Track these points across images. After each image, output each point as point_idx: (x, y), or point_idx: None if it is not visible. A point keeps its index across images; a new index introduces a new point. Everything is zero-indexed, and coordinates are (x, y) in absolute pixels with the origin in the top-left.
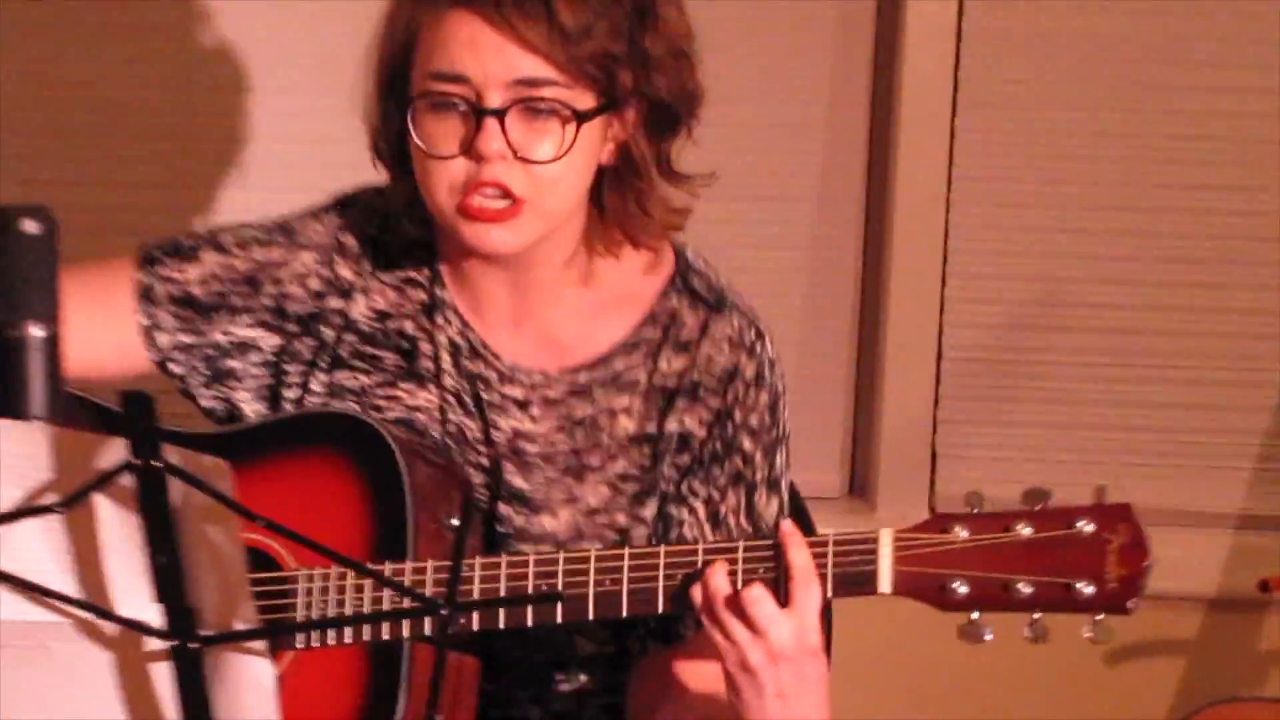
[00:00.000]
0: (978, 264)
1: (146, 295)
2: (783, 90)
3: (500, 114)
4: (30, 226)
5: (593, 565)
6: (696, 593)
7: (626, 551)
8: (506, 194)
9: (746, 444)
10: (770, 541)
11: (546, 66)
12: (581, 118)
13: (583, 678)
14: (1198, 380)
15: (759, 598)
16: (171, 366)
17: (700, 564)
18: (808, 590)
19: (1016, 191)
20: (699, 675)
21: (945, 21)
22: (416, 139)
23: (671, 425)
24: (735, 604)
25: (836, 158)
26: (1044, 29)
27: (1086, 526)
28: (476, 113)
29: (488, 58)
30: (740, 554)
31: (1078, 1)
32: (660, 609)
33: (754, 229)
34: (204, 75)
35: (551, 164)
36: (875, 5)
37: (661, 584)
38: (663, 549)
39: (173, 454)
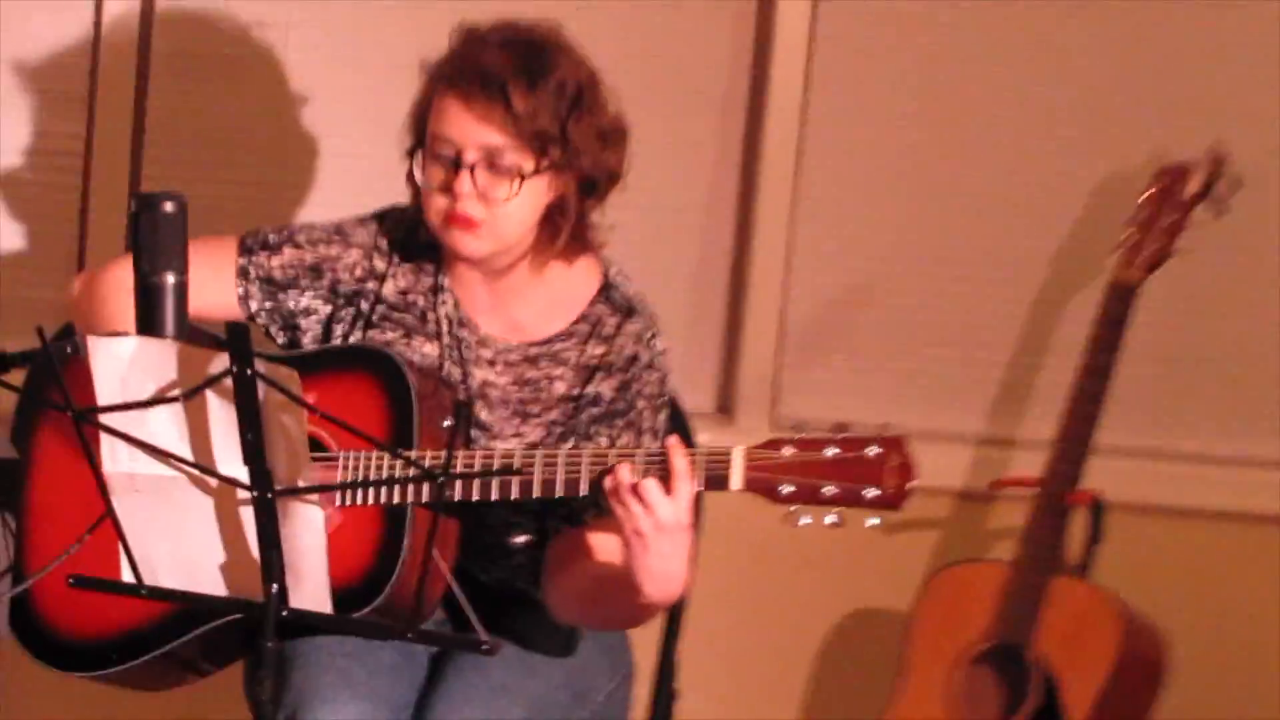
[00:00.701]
0: (815, 257)
1: (243, 274)
2: (672, 122)
3: (470, 167)
4: (169, 206)
5: (539, 457)
6: (608, 481)
7: (563, 449)
8: (470, 221)
9: (641, 404)
10: (660, 449)
11: (502, 137)
12: (524, 175)
13: (516, 557)
14: (958, 341)
15: (651, 486)
16: (258, 319)
17: (611, 463)
18: (684, 484)
19: (851, 187)
20: (600, 544)
21: (797, 67)
22: (418, 175)
23: (590, 390)
24: (635, 490)
25: (719, 162)
26: (887, 46)
27: (873, 450)
28: (455, 164)
29: (465, 128)
30: (639, 457)
31: (911, 35)
32: (582, 491)
33: (651, 213)
34: (291, 115)
35: (503, 205)
36: (753, 38)
37: (584, 474)
38: (588, 449)
39: (260, 365)
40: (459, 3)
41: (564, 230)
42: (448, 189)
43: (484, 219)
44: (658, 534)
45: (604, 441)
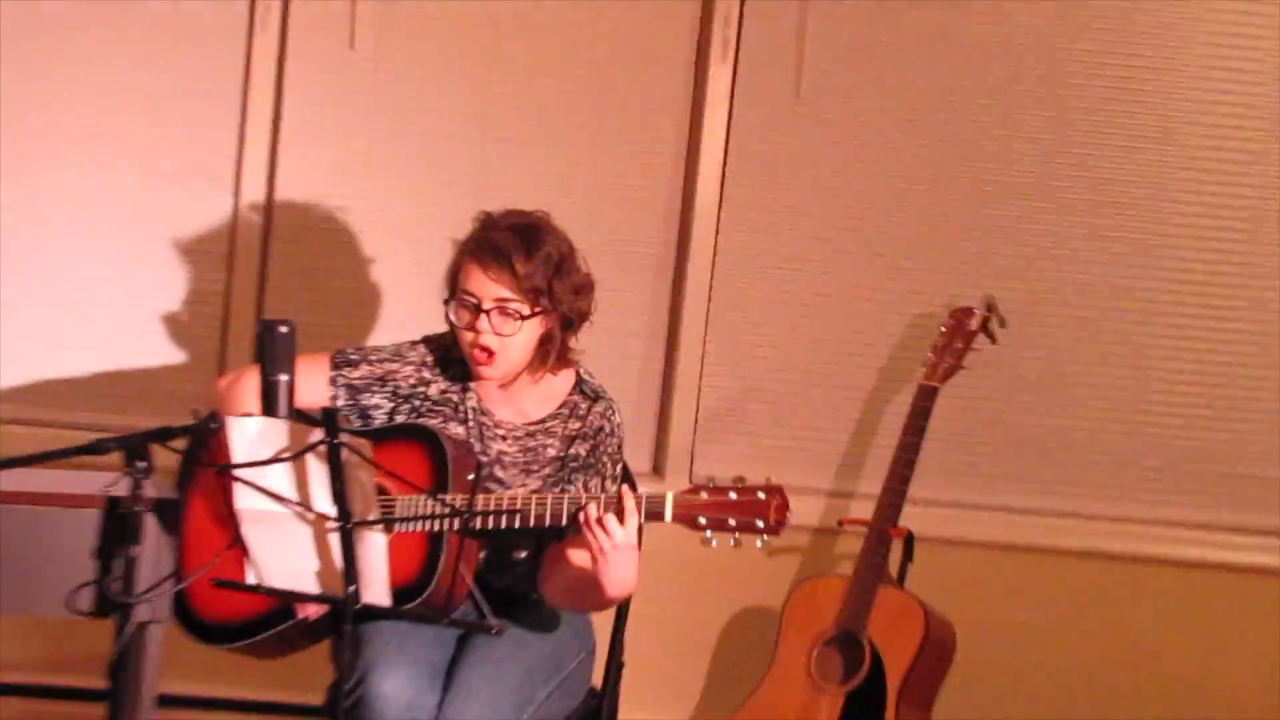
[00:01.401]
0: (718, 368)
1: (333, 382)
2: (622, 190)
3: (487, 312)
4: (283, 329)
5: (533, 501)
6: (582, 516)
7: (549, 495)
8: (488, 350)
9: (605, 460)
10: (616, 494)
11: (508, 293)
12: (524, 317)
13: (518, 568)
14: (816, 425)
15: (610, 519)
16: (342, 409)
17: (583, 503)
18: (632, 518)
19: (747, 324)
20: (576, 556)
21: (716, 154)
22: (452, 317)
23: (571, 451)
24: (600, 522)
25: (654, 308)
26: (781, 218)
27: (762, 495)
28: (476, 310)
29: (484, 286)
30: (602, 499)
31: (803, 193)
32: (564, 523)
33: (612, 340)
34: (364, 271)
35: (510, 338)
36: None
37: (565, 511)
38: (567, 494)
39: (344, 437)
40: (482, 179)
41: (552, 353)
42: (472, 327)
43: (497, 348)
44: (614, 552)
45: (579, 486)
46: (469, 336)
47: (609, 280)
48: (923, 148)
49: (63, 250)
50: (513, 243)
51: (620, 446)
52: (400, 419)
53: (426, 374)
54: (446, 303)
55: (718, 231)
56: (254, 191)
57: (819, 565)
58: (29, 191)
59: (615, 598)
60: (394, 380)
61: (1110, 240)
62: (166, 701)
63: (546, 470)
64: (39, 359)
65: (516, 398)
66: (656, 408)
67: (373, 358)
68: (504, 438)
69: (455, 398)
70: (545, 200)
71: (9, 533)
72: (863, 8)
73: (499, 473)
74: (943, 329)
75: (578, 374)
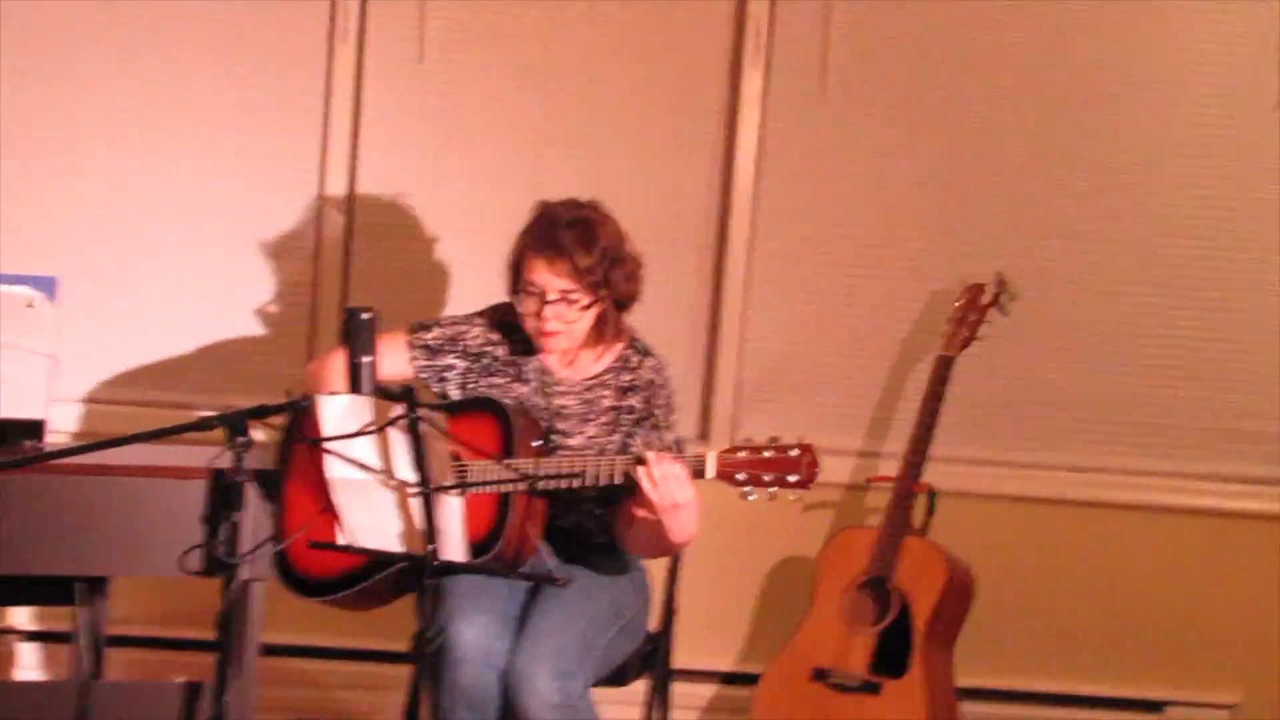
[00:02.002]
0: (756, 341)
1: (410, 345)
2: (666, 184)
3: (551, 303)
4: (365, 315)
5: (589, 466)
6: (641, 476)
7: (606, 460)
8: (553, 333)
9: (658, 411)
10: (667, 449)
11: (570, 284)
12: (585, 307)
13: (584, 509)
14: (845, 390)
15: (662, 478)
16: (421, 376)
17: (635, 464)
18: (684, 476)
19: (786, 295)
20: (641, 511)
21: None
22: (519, 307)
23: (625, 403)
24: (653, 482)
25: (699, 227)
26: (817, 180)
27: (795, 452)
28: (541, 300)
29: (548, 279)
30: (652, 459)
31: (840, 165)
32: (620, 482)
33: (660, 318)
34: (436, 257)
35: (572, 323)
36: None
37: (622, 473)
38: (619, 459)
39: (422, 410)
40: (539, 178)
41: (608, 331)
42: (538, 315)
43: (562, 330)
44: (673, 509)
45: (638, 441)
46: (534, 324)
47: (656, 262)
48: (939, 138)
49: (170, 247)
50: (573, 239)
51: (671, 398)
52: (473, 377)
53: (493, 336)
54: (514, 294)
55: (755, 217)
56: (336, 190)
57: (850, 518)
58: (143, 194)
59: (682, 543)
60: (464, 340)
61: (1110, 221)
62: (269, 651)
63: (603, 419)
64: (150, 347)
65: (575, 360)
66: (702, 378)
67: (444, 322)
68: (564, 393)
69: (519, 359)
70: (596, 186)
71: (127, 502)
72: (882, 8)
73: (560, 424)
74: (957, 304)
75: (630, 335)
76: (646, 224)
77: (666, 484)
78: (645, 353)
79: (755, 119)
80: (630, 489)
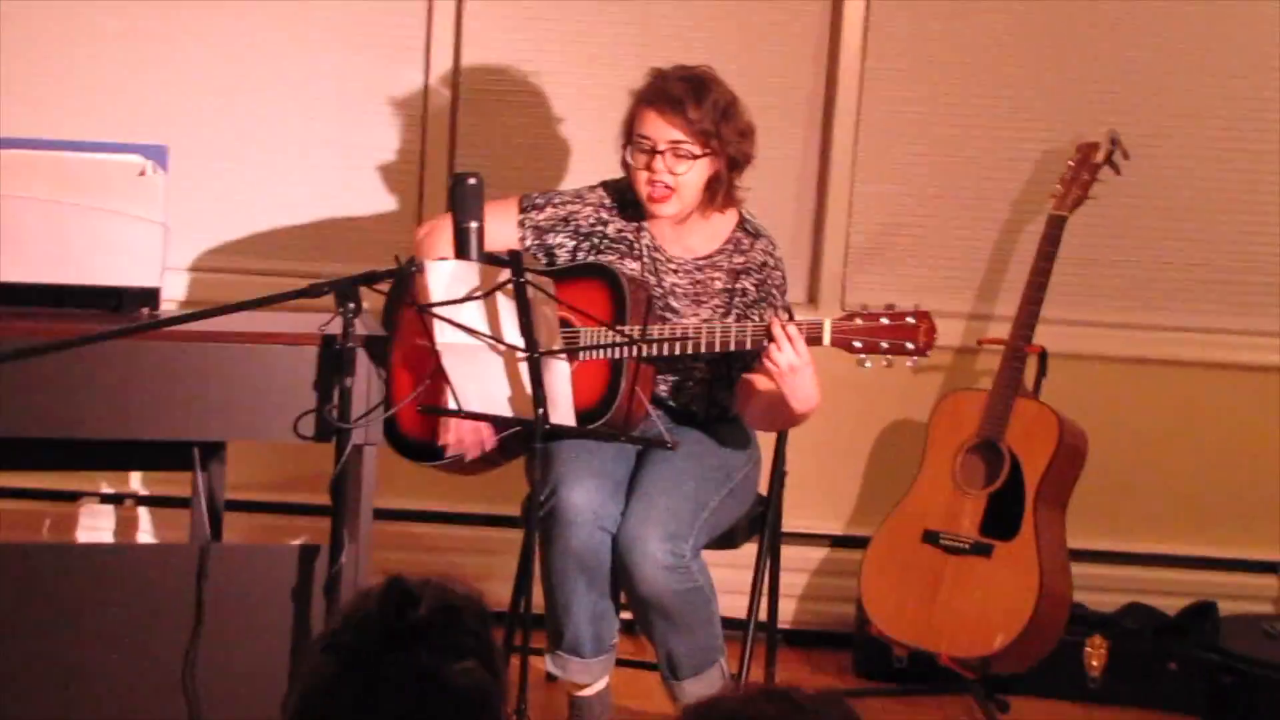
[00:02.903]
0: (866, 201)
1: (521, 223)
2: (774, 50)
3: (662, 153)
4: (472, 180)
5: (703, 330)
6: (776, 331)
7: (717, 324)
8: (666, 186)
9: (775, 293)
10: (784, 321)
11: (681, 134)
12: (696, 157)
13: (692, 389)
14: (957, 254)
15: (782, 342)
16: (530, 249)
17: (748, 331)
18: (799, 340)
19: (894, 156)
20: (760, 381)
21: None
22: (629, 160)
23: (739, 285)
24: (771, 348)
25: (807, 136)
26: (926, 41)
27: (911, 319)
28: (652, 152)
29: (659, 130)
30: (767, 324)
31: (944, 35)
32: (732, 348)
33: (770, 182)
34: (550, 129)
35: (683, 175)
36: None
37: (733, 338)
38: (732, 325)
39: (529, 275)
40: (646, 50)
41: (719, 193)
42: (648, 167)
43: (674, 186)
44: (791, 374)
45: (755, 318)
46: (644, 176)
47: (764, 129)
48: None
49: (281, 116)
50: (684, 90)
51: (784, 277)
52: (582, 256)
53: (605, 214)
54: (625, 147)
55: (862, 79)
56: (442, 60)
57: (961, 380)
58: (250, 63)
59: (804, 413)
60: (575, 220)
61: (1226, 78)
62: (383, 515)
63: (715, 301)
64: (259, 215)
65: (686, 235)
66: (810, 241)
67: (556, 200)
68: (675, 271)
69: (630, 236)
70: (708, 53)
71: (239, 369)
72: None
73: (672, 303)
74: (1070, 163)
75: (740, 214)
76: (756, 85)
77: (785, 346)
78: (756, 234)
79: None
80: (745, 357)
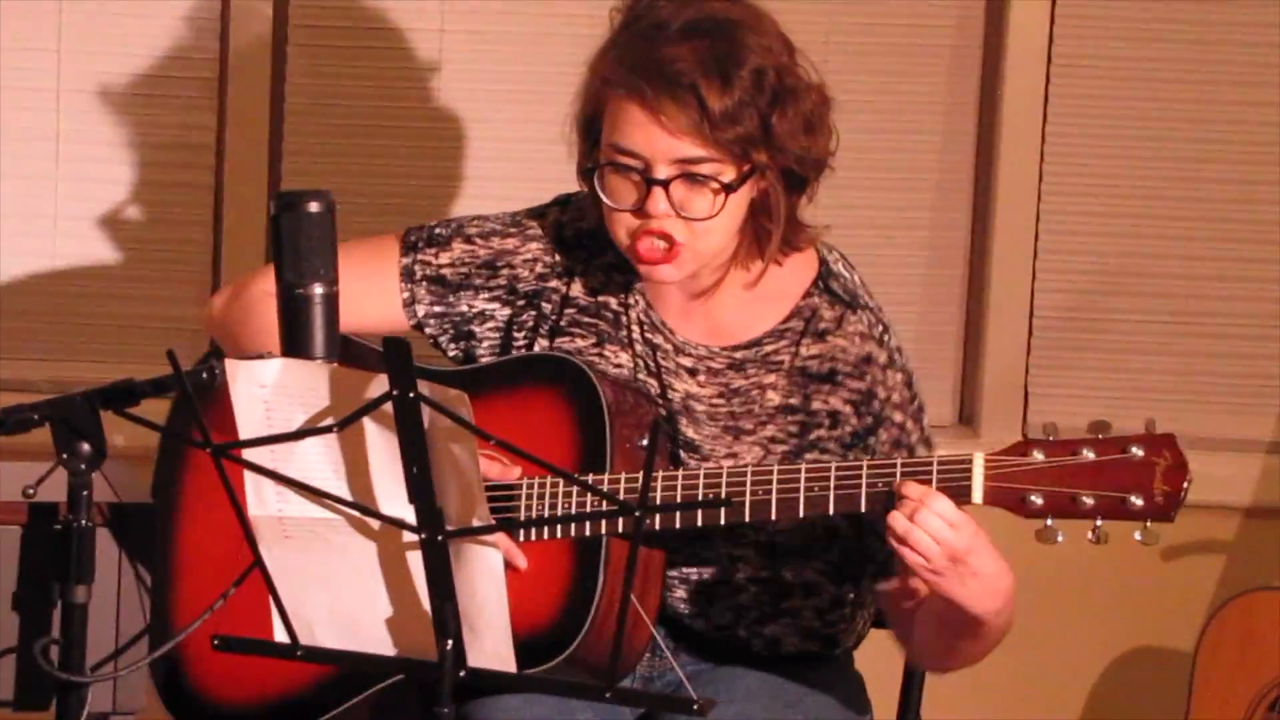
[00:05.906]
0: (1063, 242)
1: (408, 274)
2: (900, 99)
3: (665, 184)
4: (314, 206)
5: (749, 476)
6: (909, 491)
7: (777, 468)
8: (669, 240)
9: (896, 416)
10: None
11: (698, 148)
12: (728, 189)
13: (740, 597)
14: (1236, 335)
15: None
16: (426, 328)
17: (835, 477)
18: (942, 499)
19: (1097, 183)
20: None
21: (1038, 45)
22: (601, 193)
23: (817, 404)
24: (887, 521)
25: (948, 155)
26: (1125, 45)
27: (1138, 451)
28: (647, 181)
29: (654, 140)
30: (863, 481)
31: (1148, 26)
32: (804, 513)
33: (878, 214)
34: (445, 97)
35: (703, 222)
36: (983, 32)
37: (813, 498)
38: (802, 466)
39: (424, 387)
40: None
41: (774, 234)
42: (639, 210)
43: (685, 239)
44: (953, 565)
45: (862, 463)
46: (633, 224)
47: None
48: None
49: None
50: (697, 60)
51: (912, 384)
52: (523, 338)
53: (563, 258)
54: (589, 171)
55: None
56: None
57: (1256, 575)
58: None
59: (997, 625)
60: (509, 266)
61: None
62: None
63: (769, 430)
64: None
65: (714, 307)
66: (960, 312)
67: (472, 231)
68: (692, 371)
69: (614, 301)
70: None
71: None
72: None
73: (689, 431)
74: None
75: (820, 260)
76: (866, 77)
77: (928, 520)
78: (848, 301)
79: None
80: (851, 538)
